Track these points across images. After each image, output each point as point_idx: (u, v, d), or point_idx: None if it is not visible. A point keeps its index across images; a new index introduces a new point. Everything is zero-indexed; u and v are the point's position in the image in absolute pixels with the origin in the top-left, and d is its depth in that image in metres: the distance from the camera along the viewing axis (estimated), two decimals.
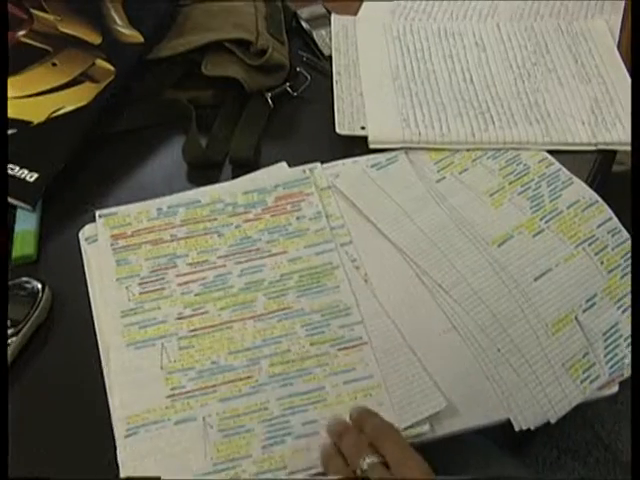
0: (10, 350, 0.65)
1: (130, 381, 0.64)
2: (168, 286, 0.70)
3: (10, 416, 0.63)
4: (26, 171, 0.76)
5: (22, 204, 0.75)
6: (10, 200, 0.76)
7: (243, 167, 0.81)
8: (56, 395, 0.65)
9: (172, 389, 0.64)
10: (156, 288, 0.69)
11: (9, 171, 0.77)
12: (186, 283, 0.70)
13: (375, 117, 0.84)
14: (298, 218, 0.74)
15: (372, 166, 0.81)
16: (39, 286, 0.69)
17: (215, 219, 0.74)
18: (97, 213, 0.74)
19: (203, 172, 0.81)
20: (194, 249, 0.72)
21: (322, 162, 0.80)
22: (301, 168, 0.80)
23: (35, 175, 0.76)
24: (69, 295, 0.70)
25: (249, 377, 0.64)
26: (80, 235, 0.75)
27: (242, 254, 0.72)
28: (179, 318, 0.68)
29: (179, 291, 0.69)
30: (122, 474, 0.59)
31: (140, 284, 0.70)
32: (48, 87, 0.83)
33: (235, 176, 0.81)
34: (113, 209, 0.75)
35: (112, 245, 0.72)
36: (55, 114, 0.81)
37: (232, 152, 0.82)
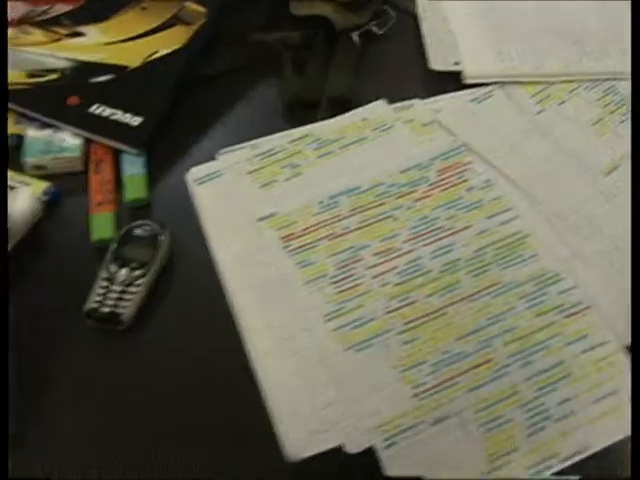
0: (141, 292, 0.65)
1: (365, 385, 0.60)
2: (362, 281, 0.66)
3: (142, 361, 0.63)
4: (129, 115, 0.76)
5: (129, 148, 0.75)
6: (116, 144, 0.75)
7: (340, 106, 0.81)
8: (186, 339, 0.65)
9: (413, 388, 0.60)
10: (351, 285, 0.65)
11: (112, 116, 0.76)
12: (380, 275, 0.66)
13: (469, 52, 0.83)
14: (468, 189, 0.72)
15: (471, 100, 0.80)
16: (159, 228, 0.68)
17: (383, 203, 0.71)
18: (256, 216, 0.71)
19: (299, 112, 0.81)
20: (374, 238, 0.68)
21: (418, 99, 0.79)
22: (400, 105, 0.80)
23: (139, 119, 0.76)
24: (185, 237, 0.70)
25: (488, 361, 0.60)
26: (187, 178, 0.75)
27: (425, 235, 0.69)
28: (389, 312, 0.64)
29: (376, 284, 0.65)
30: None
31: (332, 284, 0.66)
32: (140, 31, 0.82)
33: (333, 115, 0.80)
34: (271, 210, 0.71)
35: (285, 247, 0.68)
36: (151, 58, 0.80)
37: (330, 91, 0.81)
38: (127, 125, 0.75)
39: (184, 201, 0.74)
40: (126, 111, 0.76)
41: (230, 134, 0.79)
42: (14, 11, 0.83)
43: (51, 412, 0.61)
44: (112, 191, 0.73)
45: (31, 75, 0.79)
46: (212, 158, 0.77)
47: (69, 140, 0.76)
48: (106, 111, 0.76)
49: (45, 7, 0.83)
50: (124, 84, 0.78)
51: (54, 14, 0.83)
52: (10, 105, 0.77)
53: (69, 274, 0.69)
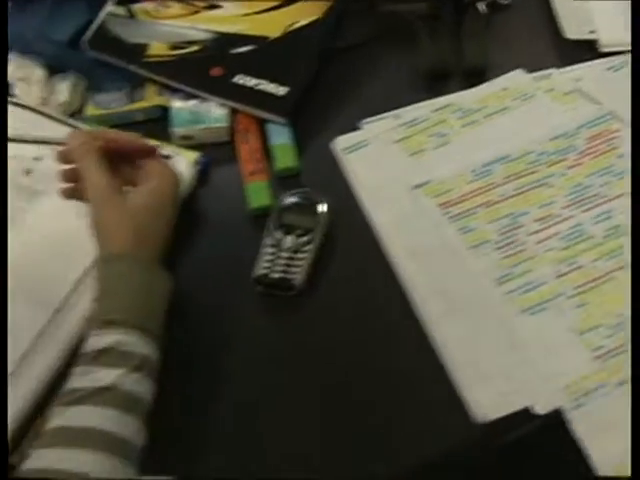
0: (308, 258, 0.66)
1: (545, 348, 0.61)
2: (526, 247, 0.66)
3: (315, 325, 0.64)
4: (275, 85, 0.76)
5: (276, 117, 0.75)
6: (263, 114, 0.76)
7: (475, 75, 0.80)
8: (355, 304, 0.66)
9: (593, 350, 0.60)
10: (515, 251, 0.66)
11: (258, 86, 0.76)
12: (544, 240, 0.66)
13: (605, 20, 0.83)
14: (619, 157, 0.71)
15: (608, 69, 0.80)
16: (318, 195, 0.69)
17: (535, 171, 0.71)
18: (411, 184, 0.71)
19: (435, 82, 0.81)
20: (532, 205, 0.69)
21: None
22: (539, 74, 0.79)
23: (285, 89, 0.76)
24: (339, 204, 0.70)
25: None
26: (334, 146, 0.75)
27: (583, 202, 0.69)
28: (559, 276, 0.64)
29: (541, 249, 0.66)
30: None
31: (497, 249, 0.66)
32: (276, 3, 0.82)
33: (469, 84, 0.80)
34: (425, 177, 0.72)
35: (445, 214, 0.69)
36: (290, 29, 0.80)
37: (465, 61, 0.81)
38: (273, 95, 0.76)
39: (332, 169, 0.74)
40: (271, 81, 0.76)
41: (369, 104, 0.79)
42: None
43: (225, 378, 0.62)
44: (262, 160, 0.74)
45: (173, 47, 0.79)
46: (354, 127, 0.77)
47: (215, 110, 0.76)
48: (251, 81, 0.77)
49: None
50: (266, 54, 0.78)
51: None
52: (154, 76, 0.78)
53: (229, 241, 0.70)
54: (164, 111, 0.78)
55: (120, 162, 0.62)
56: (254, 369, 0.62)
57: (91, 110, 0.77)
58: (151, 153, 0.63)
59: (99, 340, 0.54)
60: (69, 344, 0.60)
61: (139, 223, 0.59)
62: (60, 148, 0.62)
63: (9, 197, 0.67)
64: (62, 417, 0.52)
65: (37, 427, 0.57)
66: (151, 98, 0.78)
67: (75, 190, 0.61)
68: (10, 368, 0.58)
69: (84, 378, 0.53)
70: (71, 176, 0.61)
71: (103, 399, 0.52)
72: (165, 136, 0.75)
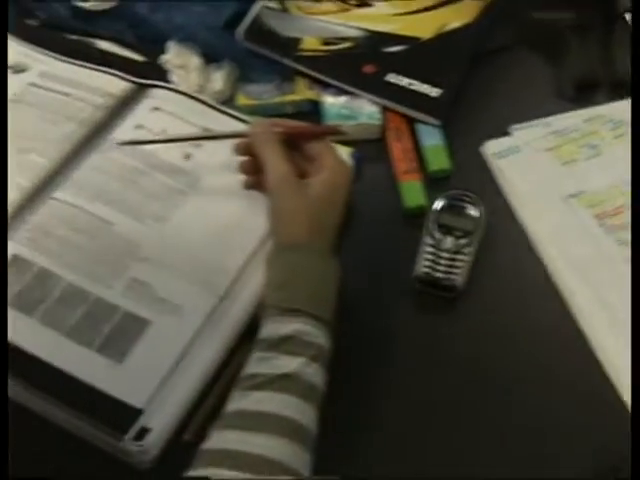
0: (468, 261, 0.66)
1: None
2: None
3: (473, 329, 0.65)
4: (428, 86, 0.77)
5: (429, 119, 0.76)
6: (416, 114, 0.76)
7: (624, 87, 0.80)
8: (513, 311, 0.66)
9: None
10: None
11: (410, 86, 0.77)
12: None
13: None
14: None
15: None
16: (475, 198, 0.69)
17: None
18: (566, 193, 0.71)
19: (583, 92, 0.81)
20: None
21: None
22: None
23: (438, 90, 0.76)
24: (492, 208, 0.70)
25: None
26: (484, 150, 0.75)
27: None
28: None
29: None
30: None
31: None
32: (428, 4, 0.83)
33: (618, 96, 0.80)
34: (579, 188, 0.72)
35: (601, 226, 0.69)
36: (442, 31, 0.80)
37: (615, 72, 0.81)
38: (427, 96, 0.76)
39: (482, 173, 0.75)
40: (424, 82, 0.77)
41: (517, 109, 0.79)
42: None
43: (379, 375, 0.63)
44: (415, 160, 0.74)
45: (325, 42, 0.80)
46: (503, 132, 0.77)
47: (368, 107, 0.77)
48: (403, 81, 0.77)
49: None
50: (419, 55, 0.79)
51: None
52: (306, 70, 0.79)
53: (383, 238, 0.71)
54: (314, 105, 0.79)
55: (293, 152, 0.63)
56: (409, 367, 0.63)
57: (242, 100, 0.79)
58: (333, 133, 0.63)
59: (280, 327, 0.55)
60: (234, 330, 0.61)
61: (315, 213, 0.59)
62: (237, 140, 0.63)
63: (170, 180, 0.68)
64: (244, 401, 0.53)
65: (207, 407, 0.59)
66: (302, 92, 0.79)
67: (255, 182, 0.62)
68: (180, 348, 0.59)
69: (265, 364, 0.54)
70: (250, 168, 0.63)
71: (285, 386, 0.53)
72: None
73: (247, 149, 0.63)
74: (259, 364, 0.55)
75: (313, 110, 0.78)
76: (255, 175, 0.63)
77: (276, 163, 0.60)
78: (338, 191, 0.62)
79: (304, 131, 0.63)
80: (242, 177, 0.65)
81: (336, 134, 0.65)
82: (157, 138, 0.70)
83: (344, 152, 0.74)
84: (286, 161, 0.60)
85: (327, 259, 0.59)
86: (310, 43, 0.80)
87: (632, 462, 0.49)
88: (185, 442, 0.57)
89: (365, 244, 0.70)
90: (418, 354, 0.64)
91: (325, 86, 0.79)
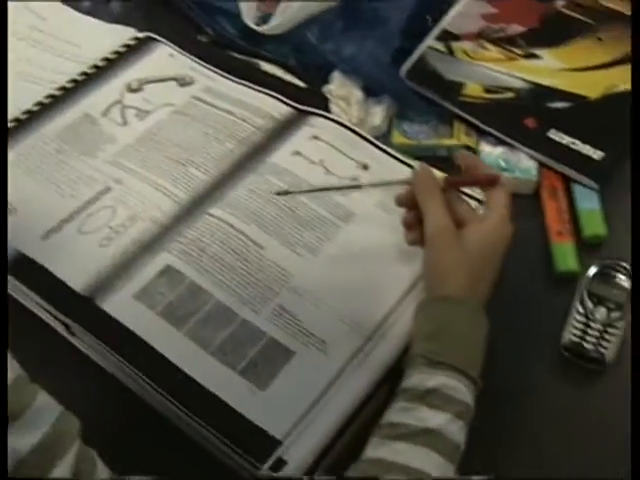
0: (619, 335, 0.64)
1: None
2: None
3: (616, 408, 0.62)
4: (590, 147, 0.75)
5: (589, 181, 0.74)
6: (575, 175, 0.74)
7: None
8: None
9: None
10: None
11: (572, 145, 0.75)
12: None
13: None
14: None
15: None
16: (629, 271, 0.67)
17: None
18: None
19: None
20: None
21: None
22: None
23: (601, 153, 0.74)
24: None
25: None
26: None
27: None
28: None
29: None
30: None
31: None
32: (597, 62, 0.81)
33: None
34: None
35: None
36: (610, 92, 0.78)
37: None
38: (588, 157, 0.74)
39: None
40: (586, 142, 0.75)
41: None
42: (472, 26, 0.84)
43: (518, 434, 0.62)
44: (569, 221, 0.72)
45: (488, 90, 0.79)
46: None
47: (525, 162, 0.76)
48: (565, 139, 0.76)
49: (501, 25, 0.84)
50: (584, 114, 0.77)
51: (510, 33, 0.84)
52: (466, 116, 0.78)
53: (530, 298, 0.69)
54: (469, 151, 0.78)
55: (455, 199, 0.62)
56: (544, 433, 0.62)
57: (398, 137, 0.79)
58: (494, 182, 0.62)
59: (426, 379, 0.55)
60: (376, 372, 0.61)
61: (473, 268, 0.59)
62: (400, 190, 0.63)
63: (325, 212, 0.70)
64: (383, 449, 0.53)
65: (341, 447, 0.59)
66: (458, 137, 0.78)
67: (419, 238, 0.62)
68: (322, 383, 0.59)
69: (407, 415, 0.54)
70: (414, 222, 0.62)
71: (428, 441, 0.53)
72: None
73: (410, 201, 0.62)
74: (401, 414, 0.54)
75: None
76: (418, 229, 0.62)
77: (436, 215, 0.60)
78: (498, 247, 0.61)
79: (467, 181, 0.63)
80: (404, 231, 0.64)
81: (495, 185, 0.64)
82: (316, 187, 0.71)
83: None
84: (447, 213, 0.60)
85: (479, 316, 0.58)
86: (472, 89, 0.79)
87: (632, 462, 0.48)
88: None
89: (511, 303, 0.68)
90: (555, 422, 0.62)
91: (482, 134, 0.78)
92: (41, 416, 0.38)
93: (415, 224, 0.63)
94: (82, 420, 0.51)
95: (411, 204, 0.63)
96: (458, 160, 0.64)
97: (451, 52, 0.83)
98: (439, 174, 0.65)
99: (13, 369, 0.39)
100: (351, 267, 0.67)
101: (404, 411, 0.54)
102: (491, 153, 0.77)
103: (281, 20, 0.81)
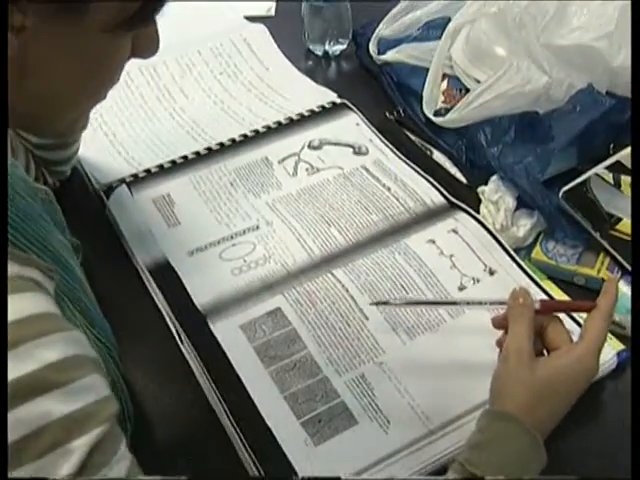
0: None
1: None
2: None
3: None
4: None
5: None
6: None
7: None
8: None
9: None
10: None
11: None
12: None
13: None
14: None
15: None
16: None
17: None
18: None
19: None
20: None
21: None
22: None
23: None
24: None
25: None
26: None
27: None
28: None
29: None
30: None
31: None
32: None
33: None
34: None
35: None
36: None
37: None
38: None
39: None
40: None
41: None
42: None
43: None
44: None
45: None
46: None
47: None
48: None
49: None
50: None
51: None
52: (613, 252, 0.77)
53: None
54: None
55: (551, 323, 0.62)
56: None
57: (538, 254, 0.79)
58: (589, 309, 0.62)
59: None
60: (427, 465, 0.62)
61: (538, 392, 0.59)
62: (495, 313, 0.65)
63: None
64: None
65: None
66: (600, 269, 0.77)
67: None
68: (372, 458, 0.62)
69: None
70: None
71: None
72: None
73: (502, 323, 0.64)
74: None
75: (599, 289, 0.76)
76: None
77: (517, 336, 0.61)
78: (571, 385, 0.60)
79: (562, 306, 0.63)
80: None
81: (590, 311, 0.63)
82: (412, 300, 0.73)
83: (612, 347, 0.71)
84: (529, 338, 0.61)
85: (537, 446, 0.58)
86: (626, 226, 0.78)
87: (632, 461, 0.48)
88: None
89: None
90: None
91: (625, 273, 0.76)
92: (83, 393, 0.44)
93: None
94: (160, 414, 0.59)
95: (504, 326, 0.64)
96: (606, 282, 0.65)
97: (618, 185, 0.82)
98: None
99: (75, 348, 0.46)
100: (440, 363, 0.69)
101: None
102: (626, 294, 0.75)
103: (457, 116, 0.85)
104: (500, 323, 0.65)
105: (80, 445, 0.43)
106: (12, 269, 0.45)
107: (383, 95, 1.02)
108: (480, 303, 0.67)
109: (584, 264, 0.78)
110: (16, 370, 0.42)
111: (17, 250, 0.48)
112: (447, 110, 0.87)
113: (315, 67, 1.10)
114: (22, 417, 0.42)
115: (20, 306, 0.44)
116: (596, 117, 0.81)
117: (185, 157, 0.90)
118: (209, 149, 0.91)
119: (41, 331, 0.44)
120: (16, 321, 0.43)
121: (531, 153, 0.80)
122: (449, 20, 0.97)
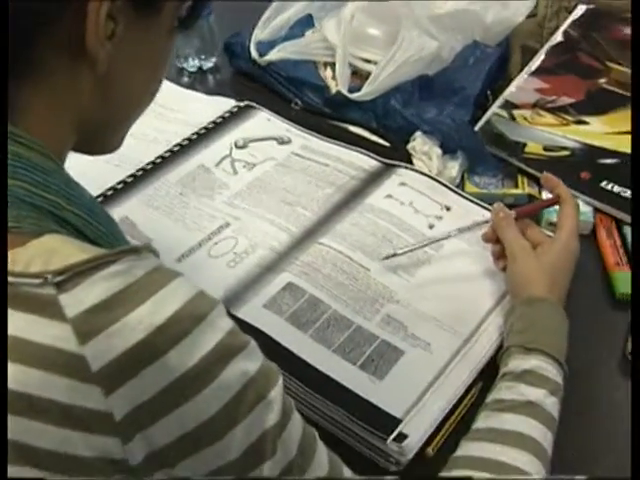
0: None
1: None
2: None
3: None
4: None
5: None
6: (626, 218, 0.87)
7: None
8: None
9: None
10: None
11: (622, 193, 0.89)
12: None
13: None
14: None
15: None
16: None
17: None
18: None
19: None
20: None
21: None
22: None
23: None
24: None
25: None
26: None
27: None
28: None
29: None
30: None
31: None
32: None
33: None
34: None
35: None
36: None
37: None
38: None
39: None
40: None
41: None
42: (529, 97, 0.99)
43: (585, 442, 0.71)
44: (624, 255, 0.85)
45: (546, 149, 0.94)
46: None
47: (582, 207, 0.89)
48: (615, 188, 0.89)
49: (553, 97, 0.99)
50: (629, 167, 0.90)
51: (560, 104, 0.99)
52: (529, 170, 0.92)
53: (594, 319, 0.80)
54: (530, 199, 0.91)
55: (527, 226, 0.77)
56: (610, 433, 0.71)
57: (469, 188, 0.92)
58: (556, 202, 0.79)
59: (522, 363, 0.66)
60: (474, 367, 0.72)
61: (552, 274, 0.72)
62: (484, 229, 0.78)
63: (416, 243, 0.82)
64: (493, 420, 0.64)
65: (448, 427, 0.69)
66: (522, 187, 0.92)
67: (505, 264, 0.76)
68: (430, 377, 0.70)
69: (510, 392, 0.65)
70: (499, 253, 0.76)
71: (529, 411, 0.63)
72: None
73: (493, 236, 0.76)
74: (505, 392, 0.65)
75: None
76: (505, 258, 0.76)
77: (514, 239, 0.74)
78: (569, 258, 0.74)
79: (534, 207, 0.81)
80: (493, 260, 0.79)
81: (558, 203, 0.78)
82: (415, 246, 0.81)
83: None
84: (520, 239, 0.74)
85: (560, 311, 0.70)
86: (533, 148, 0.94)
87: (632, 462, 0.52)
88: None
89: (577, 323, 0.79)
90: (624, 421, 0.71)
91: (541, 186, 0.92)
92: (256, 351, 0.47)
93: (502, 254, 0.77)
94: None
95: (495, 238, 0.77)
96: (543, 181, 0.78)
97: (513, 118, 0.97)
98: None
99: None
100: (445, 285, 0.79)
101: (507, 389, 0.65)
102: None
103: (371, 89, 0.96)
104: (490, 237, 0.76)
105: (275, 395, 0.47)
106: (150, 263, 0.45)
107: (273, 92, 1.09)
108: (469, 228, 0.79)
109: (508, 187, 0.93)
110: (213, 338, 0.44)
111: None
112: (357, 88, 0.98)
113: (193, 82, 1.16)
114: (228, 380, 0.44)
115: (190, 283, 0.45)
116: (485, 68, 0.95)
117: (124, 182, 0.92)
118: (143, 169, 0.93)
119: (212, 302, 0.47)
120: (197, 295, 0.45)
121: (447, 104, 0.93)
122: (311, 16, 1.08)
